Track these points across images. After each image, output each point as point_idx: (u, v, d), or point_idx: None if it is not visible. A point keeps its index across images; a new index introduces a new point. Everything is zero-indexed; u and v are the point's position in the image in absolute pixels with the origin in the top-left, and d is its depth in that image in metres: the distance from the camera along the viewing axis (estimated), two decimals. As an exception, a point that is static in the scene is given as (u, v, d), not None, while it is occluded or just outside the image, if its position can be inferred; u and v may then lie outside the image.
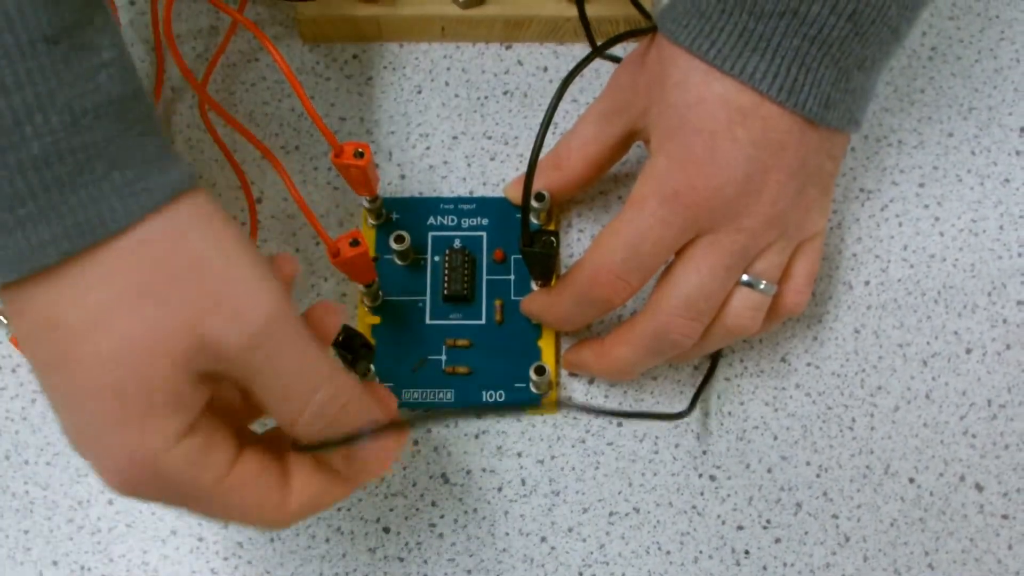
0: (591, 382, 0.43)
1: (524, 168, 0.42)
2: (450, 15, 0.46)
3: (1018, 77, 0.48)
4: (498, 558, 0.41)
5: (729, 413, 0.43)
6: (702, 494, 0.42)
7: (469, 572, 0.41)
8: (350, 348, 0.38)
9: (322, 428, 0.31)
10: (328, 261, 0.37)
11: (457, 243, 0.44)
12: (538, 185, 0.43)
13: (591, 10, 0.45)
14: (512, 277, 0.44)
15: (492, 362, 0.42)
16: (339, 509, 0.42)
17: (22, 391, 0.43)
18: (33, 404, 0.43)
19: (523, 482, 0.42)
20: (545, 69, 0.48)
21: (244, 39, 0.48)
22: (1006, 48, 0.48)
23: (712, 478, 0.42)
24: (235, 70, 0.48)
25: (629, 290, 0.38)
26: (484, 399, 0.42)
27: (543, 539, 0.42)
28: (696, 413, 0.43)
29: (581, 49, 0.48)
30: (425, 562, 0.41)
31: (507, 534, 0.42)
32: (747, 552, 0.42)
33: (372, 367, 0.41)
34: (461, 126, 0.47)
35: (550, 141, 0.42)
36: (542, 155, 0.40)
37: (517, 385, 0.42)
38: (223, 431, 0.31)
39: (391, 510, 0.42)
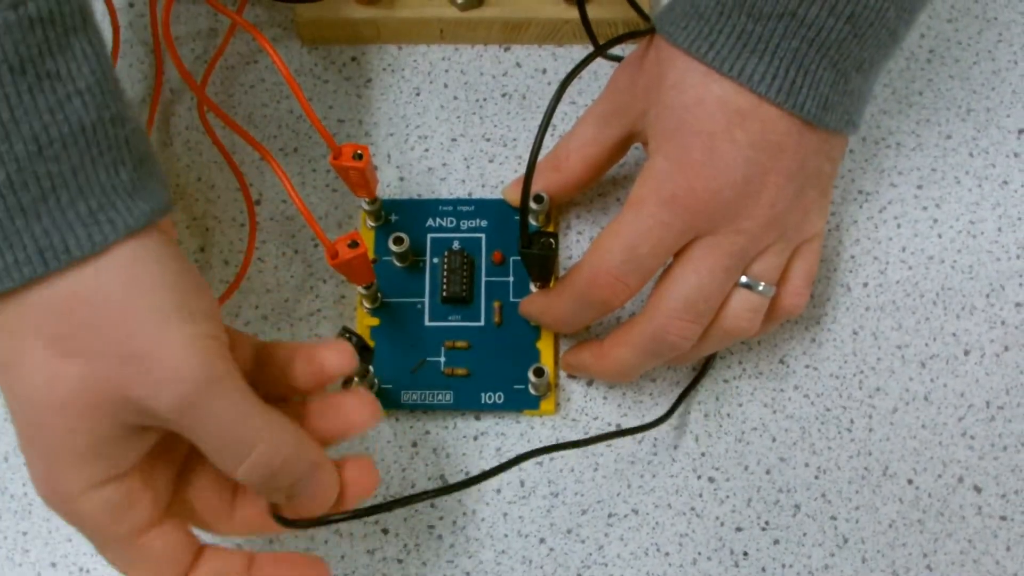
0: (590, 384, 0.43)
1: (523, 170, 0.42)
2: (449, 17, 0.46)
3: (1016, 79, 0.48)
4: (497, 559, 0.41)
5: (728, 415, 0.43)
6: (701, 496, 0.42)
7: (468, 573, 0.41)
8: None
9: (262, 481, 0.31)
10: (327, 263, 0.37)
11: (456, 245, 0.44)
12: (537, 187, 0.43)
13: (590, 12, 0.45)
14: (511, 279, 0.44)
15: (491, 364, 0.42)
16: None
17: (21, 393, 0.43)
18: (32, 406, 0.43)
19: (522, 483, 0.42)
20: (544, 71, 0.48)
21: (243, 41, 0.48)
22: (1004, 50, 0.49)
23: (711, 480, 0.42)
24: (234, 72, 0.48)
25: (628, 292, 0.38)
26: (483, 401, 0.42)
27: (542, 540, 0.42)
28: (695, 415, 0.43)
29: (580, 51, 0.48)
30: (424, 564, 0.41)
31: (506, 536, 0.42)
32: (746, 553, 0.42)
33: (371, 369, 0.41)
34: (460, 128, 0.47)
35: (549, 143, 0.42)
36: (541, 157, 0.40)
37: (516, 387, 0.42)
38: (154, 492, 0.32)
39: (390, 511, 0.42)
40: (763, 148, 0.36)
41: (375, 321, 0.43)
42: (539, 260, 0.40)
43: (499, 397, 0.42)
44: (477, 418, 0.43)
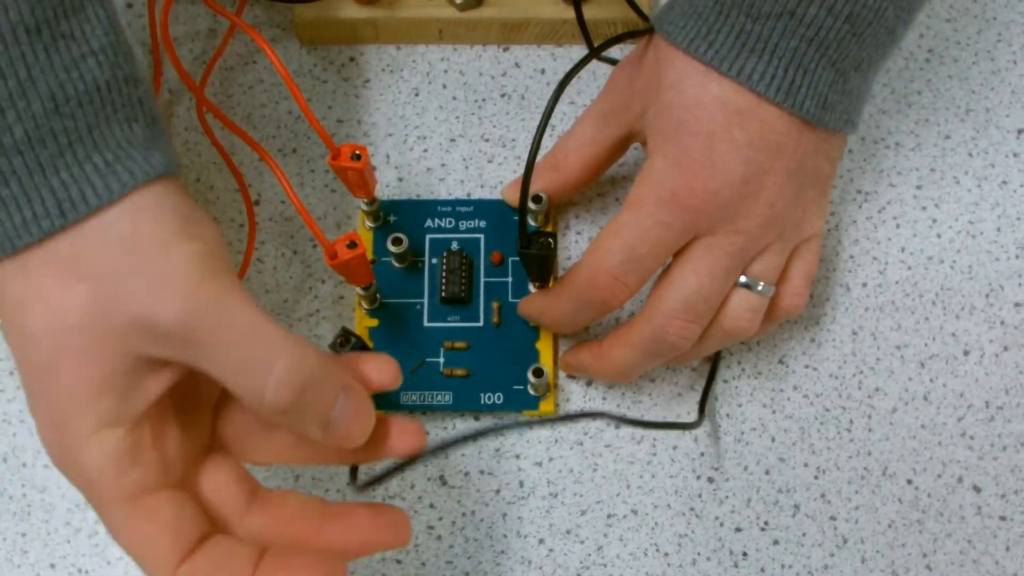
0: (589, 384, 0.43)
1: (522, 170, 0.42)
2: (447, 17, 0.46)
3: (1015, 79, 0.48)
4: (496, 560, 0.41)
5: (727, 415, 0.43)
6: (700, 496, 0.42)
7: (467, 574, 0.41)
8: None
9: (294, 401, 0.29)
10: (326, 263, 0.37)
11: (455, 245, 0.44)
12: (536, 187, 0.43)
13: (588, 12, 0.45)
14: (510, 279, 0.44)
15: (490, 364, 0.42)
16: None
17: (19, 394, 0.43)
18: (30, 407, 0.43)
19: (521, 484, 0.42)
20: (543, 71, 0.48)
21: (241, 42, 0.48)
22: (1003, 50, 0.49)
23: (710, 480, 0.42)
24: (232, 73, 0.48)
25: (627, 292, 0.38)
26: (482, 401, 0.42)
27: (541, 541, 0.42)
28: (694, 416, 0.43)
29: (578, 51, 0.48)
30: (423, 564, 0.41)
31: (505, 536, 0.42)
32: (745, 554, 0.42)
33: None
34: (459, 128, 0.47)
35: (548, 143, 0.42)
36: (539, 157, 0.40)
37: (515, 387, 0.42)
38: (163, 455, 0.31)
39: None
40: (762, 148, 0.36)
41: (374, 322, 0.43)
42: (538, 260, 0.40)
43: (498, 398, 0.42)
44: (476, 418, 0.43)
